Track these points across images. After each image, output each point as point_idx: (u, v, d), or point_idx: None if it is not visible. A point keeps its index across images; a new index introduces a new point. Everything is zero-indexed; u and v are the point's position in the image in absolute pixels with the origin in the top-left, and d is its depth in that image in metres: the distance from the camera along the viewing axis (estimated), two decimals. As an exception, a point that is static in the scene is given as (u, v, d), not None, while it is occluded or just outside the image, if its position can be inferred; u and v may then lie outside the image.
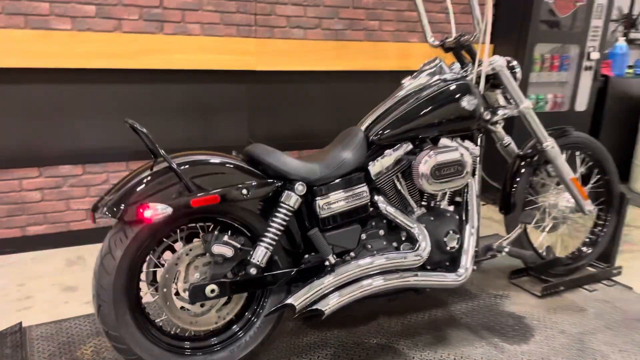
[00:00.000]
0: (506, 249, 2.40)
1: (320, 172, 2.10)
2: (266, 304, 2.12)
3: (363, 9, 3.88)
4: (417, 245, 2.22)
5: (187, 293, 1.96)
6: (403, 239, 2.28)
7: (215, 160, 1.98)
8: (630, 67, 5.36)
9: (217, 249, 1.94)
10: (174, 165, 1.87)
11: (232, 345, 2.08)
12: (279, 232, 2.01)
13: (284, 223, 2.02)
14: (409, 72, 2.50)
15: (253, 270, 1.99)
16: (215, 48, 3.47)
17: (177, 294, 2.00)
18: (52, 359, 2.18)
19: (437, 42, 2.56)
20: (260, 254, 1.99)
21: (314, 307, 2.02)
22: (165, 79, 3.45)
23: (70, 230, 3.47)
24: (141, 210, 1.80)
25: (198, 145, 3.61)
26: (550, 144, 2.59)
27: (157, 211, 1.80)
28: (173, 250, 2.04)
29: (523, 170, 2.66)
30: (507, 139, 2.67)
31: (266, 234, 2.00)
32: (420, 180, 2.19)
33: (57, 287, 2.99)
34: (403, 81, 2.41)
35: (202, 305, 2.03)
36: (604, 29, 4.39)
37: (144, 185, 1.85)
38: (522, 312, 2.60)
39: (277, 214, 2.02)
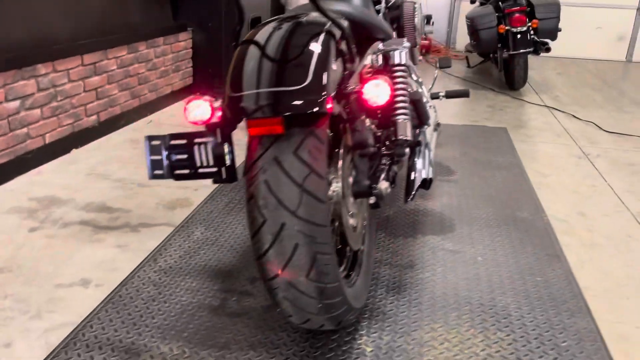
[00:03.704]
0: (441, 93, 2.63)
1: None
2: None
3: None
4: None
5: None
6: None
7: None
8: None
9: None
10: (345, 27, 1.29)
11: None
12: (407, 98, 1.65)
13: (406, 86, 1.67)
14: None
15: (406, 149, 1.61)
16: None
17: None
18: None
19: None
20: (407, 127, 1.61)
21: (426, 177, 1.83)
22: None
23: None
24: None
25: None
26: None
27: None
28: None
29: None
30: None
31: (398, 104, 1.62)
32: None
33: None
34: None
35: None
36: None
37: (325, 56, 1.22)
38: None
39: (398, 78, 1.64)
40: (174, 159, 1.37)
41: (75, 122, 3.02)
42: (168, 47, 3.84)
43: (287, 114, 1.14)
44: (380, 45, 1.65)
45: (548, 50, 4.79)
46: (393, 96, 1.33)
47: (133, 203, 2.47)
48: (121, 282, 1.75)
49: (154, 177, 1.41)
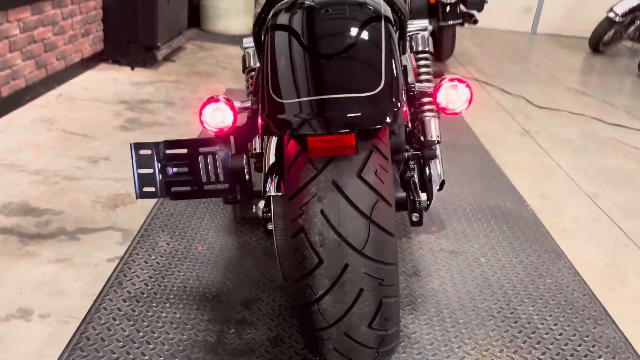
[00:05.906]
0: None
1: None
2: None
3: None
4: None
5: None
6: None
7: None
8: None
9: None
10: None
11: None
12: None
13: None
14: None
15: (437, 151, 1.40)
16: None
17: None
18: None
19: None
20: (437, 125, 1.39)
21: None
22: None
23: None
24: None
25: None
26: None
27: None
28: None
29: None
30: None
31: (425, 98, 1.39)
32: None
33: None
34: None
35: None
36: None
37: (392, 50, 0.97)
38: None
39: (423, 67, 1.41)
40: (171, 172, 1.06)
41: (-28, 99, 2.48)
42: (76, 8, 3.28)
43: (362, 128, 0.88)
44: None
45: (475, 22, 4.77)
46: (470, 101, 1.12)
47: (64, 202, 2.06)
48: (84, 319, 1.39)
49: (142, 195, 1.09)
